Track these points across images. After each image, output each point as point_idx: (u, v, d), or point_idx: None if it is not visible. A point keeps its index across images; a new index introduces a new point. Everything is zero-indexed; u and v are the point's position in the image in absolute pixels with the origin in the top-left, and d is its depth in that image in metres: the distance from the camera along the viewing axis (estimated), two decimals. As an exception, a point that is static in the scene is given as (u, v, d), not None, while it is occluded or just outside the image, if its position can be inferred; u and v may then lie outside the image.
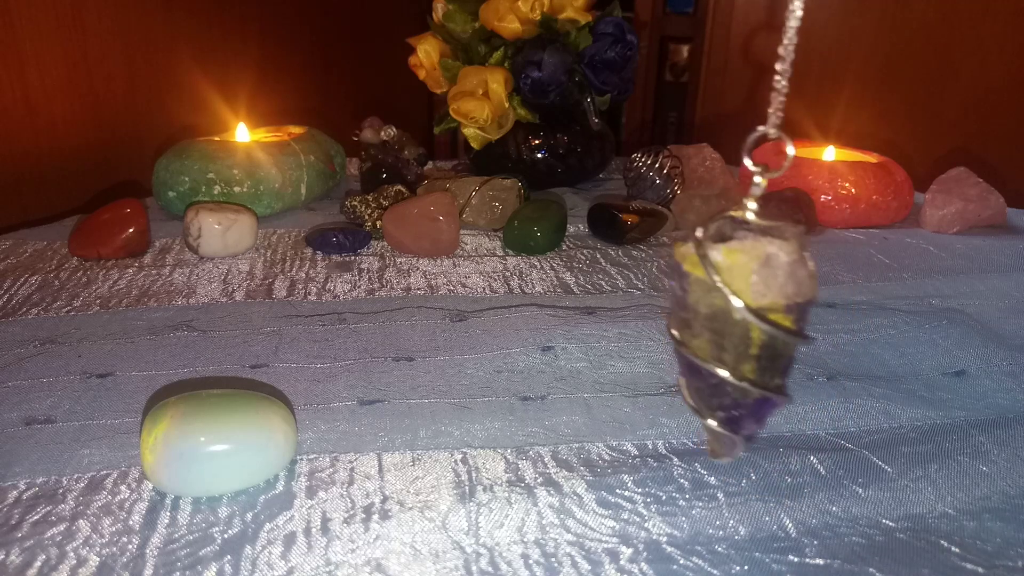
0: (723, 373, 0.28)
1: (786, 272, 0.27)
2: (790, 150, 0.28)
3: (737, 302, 0.26)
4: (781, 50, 0.27)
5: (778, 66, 0.27)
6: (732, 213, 0.28)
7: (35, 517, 0.32)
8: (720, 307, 0.27)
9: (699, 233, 0.28)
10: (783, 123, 0.27)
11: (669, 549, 0.30)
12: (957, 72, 1.22)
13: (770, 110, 0.27)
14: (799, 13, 0.26)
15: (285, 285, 0.56)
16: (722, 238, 0.28)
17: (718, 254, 0.27)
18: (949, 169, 0.73)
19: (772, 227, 0.28)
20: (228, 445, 0.33)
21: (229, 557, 0.30)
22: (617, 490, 0.34)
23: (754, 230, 0.28)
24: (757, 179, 0.28)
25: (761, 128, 0.28)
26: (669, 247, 0.65)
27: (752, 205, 0.28)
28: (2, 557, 0.30)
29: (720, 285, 0.27)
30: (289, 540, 0.31)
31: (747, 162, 0.28)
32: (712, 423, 0.30)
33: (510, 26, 0.74)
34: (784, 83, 0.27)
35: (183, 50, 1.01)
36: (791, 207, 0.66)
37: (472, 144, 0.78)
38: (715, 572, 0.29)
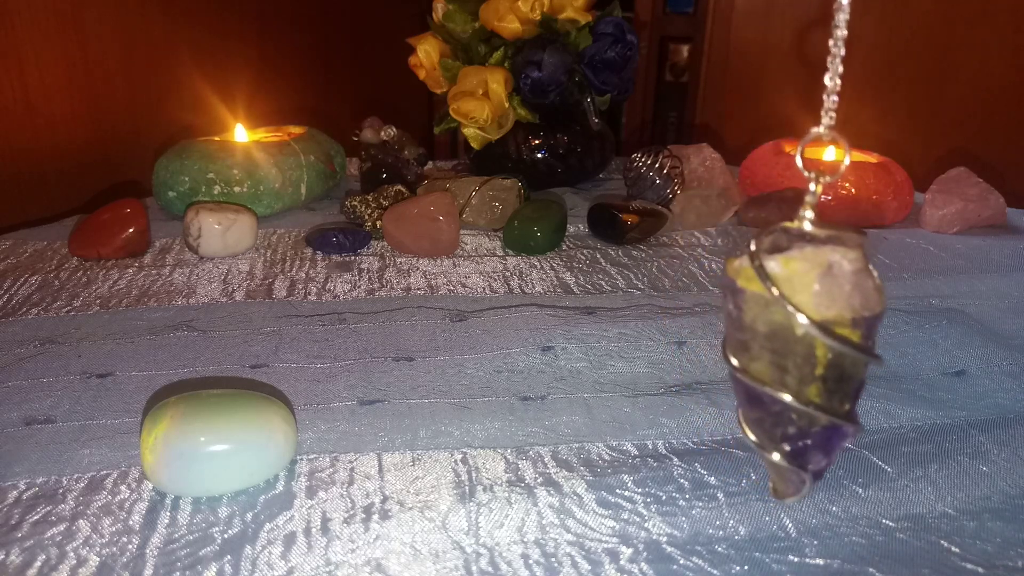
0: (786, 398, 0.26)
1: (851, 282, 0.25)
2: (846, 157, 0.26)
3: (800, 316, 0.24)
4: (831, 43, 0.25)
5: (829, 63, 0.25)
6: (786, 224, 0.26)
7: (35, 517, 0.32)
8: (780, 323, 0.25)
9: (753, 245, 0.26)
10: (834, 124, 0.26)
11: (669, 549, 0.30)
12: (957, 72, 1.22)
13: (823, 110, 0.26)
14: (847, 12, 0.25)
15: (285, 285, 0.56)
16: (777, 251, 0.26)
17: (776, 264, 0.25)
18: (949, 169, 0.73)
19: (833, 235, 0.25)
20: (228, 445, 0.33)
21: (229, 557, 0.30)
22: (617, 490, 0.34)
23: (812, 240, 0.26)
24: (812, 186, 0.26)
25: (815, 130, 0.26)
26: (670, 246, 0.66)
27: (808, 214, 0.26)
28: (2, 557, 0.30)
29: (779, 297, 0.24)
30: (289, 540, 0.31)
31: (799, 166, 0.26)
32: (776, 457, 0.27)
33: (510, 26, 0.74)
34: (837, 81, 0.25)
35: (183, 50, 1.01)
36: (791, 207, 0.66)
37: (472, 144, 0.78)
38: (715, 572, 0.29)
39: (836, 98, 0.26)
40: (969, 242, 0.67)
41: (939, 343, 0.47)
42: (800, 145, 0.26)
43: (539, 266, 0.61)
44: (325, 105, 1.39)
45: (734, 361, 0.27)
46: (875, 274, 0.26)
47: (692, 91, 1.72)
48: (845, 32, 0.25)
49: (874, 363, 0.26)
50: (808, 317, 0.24)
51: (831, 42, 0.25)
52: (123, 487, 0.34)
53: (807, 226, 0.26)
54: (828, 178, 0.26)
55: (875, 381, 0.43)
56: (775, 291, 0.25)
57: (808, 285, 0.25)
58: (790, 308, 0.24)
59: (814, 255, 0.25)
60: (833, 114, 0.26)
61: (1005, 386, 0.43)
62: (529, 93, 0.76)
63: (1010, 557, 0.30)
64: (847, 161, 0.26)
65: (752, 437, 0.28)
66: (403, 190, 0.68)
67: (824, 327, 0.24)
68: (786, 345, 0.25)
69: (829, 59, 0.26)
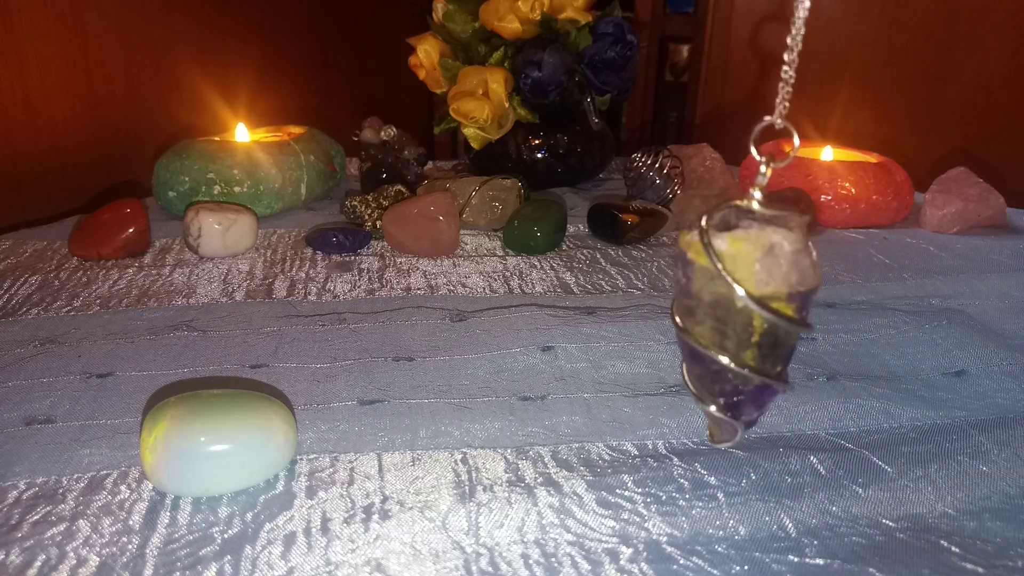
0: (724, 360, 0.28)
1: (789, 261, 0.27)
2: (796, 140, 0.28)
3: (740, 290, 0.27)
4: (789, 40, 0.27)
5: (786, 56, 0.27)
6: (737, 202, 0.28)
7: (35, 517, 0.32)
8: (723, 295, 0.28)
9: (703, 221, 0.28)
10: (788, 115, 0.27)
11: (669, 549, 0.30)
12: (957, 72, 1.22)
13: (777, 100, 0.27)
14: (807, 3, 0.26)
15: (285, 285, 0.56)
16: (727, 227, 0.28)
17: (722, 242, 0.27)
18: (949, 169, 0.73)
19: (777, 216, 0.28)
20: (228, 445, 0.33)
21: (229, 557, 0.30)
22: (617, 490, 0.34)
23: (759, 219, 0.28)
24: (762, 168, 0.28)
25: (768, 118, 0.28)
26: (670, 246, 0.65)
27: (757, 194, 0.28)
28: (2, 557, 0.30)
29: (723, 273, 0.27)
30: (289, 540, 0.31)
31: (753, 152, 0.28)
32: (712, 408, 0.30)
33: (510, 26, 0.74)
34: (792, 73, 0.27)
35: (183, 50, 1.01)
36: (791, 207, 0.66)
37: (472, 144, 0.78)
38: (715, 572, 0.29)
39: (790, 89, 0.27)
40: (969, 242, 0.67)
41: (939, 343, 0.47)
42: (754, 132, 0.28)
43: (539, 266, 0.61)
44: (325, 105, 1.39)
45: (680, 322, 0.29)
46: (813, 253, 0.28)
47: (692, 91, 1.72)
48: (803, 29, 0.27)
49: (805, 332, 0.29)
50: (747, 292, 0.27)
51: (788, 38, 0.27)
52: (123, 487, 0.34)
53: (755, 205, 0.28)
54: (779, 163, 0.28)
55: (875, 381, 0.43)
56: (720, 267, 0.27)
57: (750, 264, 0.27)
58: (732, 283, 0.27)
59: (758, 236, 0.27)
60: (787, 104, 0.28)
61: (1005, 386, 0.43)
62: (529, 93, 0.76)
63: (1010, 557, 0.30)
64: (797, 146, 0.28)
65: (693, 389, 0.31)
66: (403, 190, 0.68)
67: (761, 302, 0.27)
68: (727, 314, 0.28)
69: (786, 53, 0.27)
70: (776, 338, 0.28)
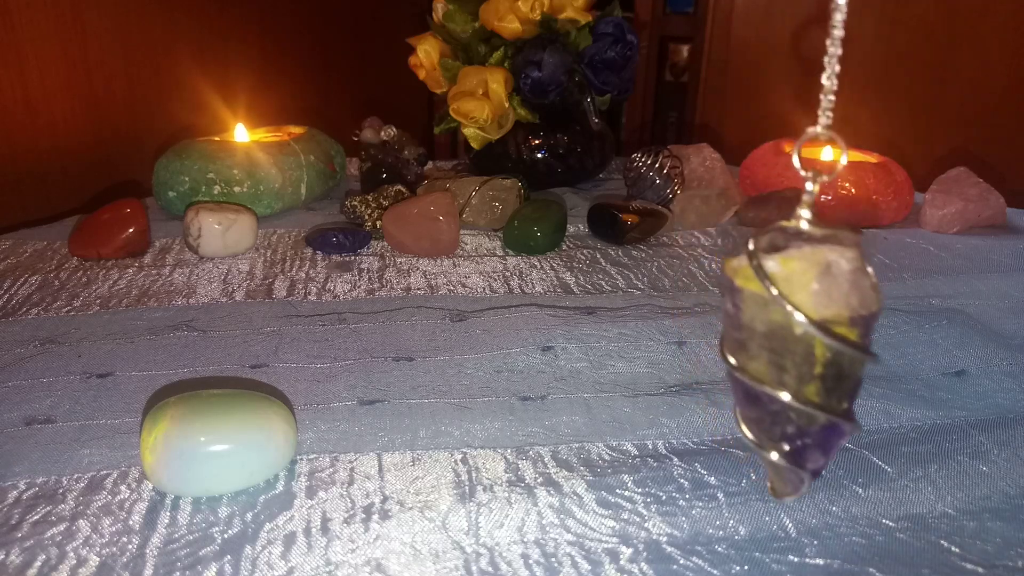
0: (785, 397, 0.25)
1: (849, 281, 0.25)
2: (843, 156, 0.26)
3: (799, 315, 0.24)
4: (828, 43, 0.25)
5: (826, 61, 0.25)
6: (783, 223, 0.26)
7: (35, 517, 0.32)
8: (778, 323, 0.25)
9: (751, 244, 0.25)
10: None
11: (669, 549, 0.30)
12: (957, 72, 1.22)
13: (820, 109, 0.25)
14: (843, 5, 0.24)
15: (285, 285, 0.56)
16: (775, 250, 0.25)
17: (774, 264, 0.25)
18: (949, 169, 0.73)
19: (829, 234, 0.25)
20: (228, 445, 0.33)
21: (229, 557, 0.30)
22: (617, 490, 0.34)
23: (809, 240, 0.25)
24: (809, 185, 0.26)
25: (811, 129, 0.26)
26: (670, 246, 0.66)
27: (806, 213, 0.25)
28: (2, 557, 0.30)
29: (778, 297, 0.24)
30: (289, 540, 0.31)
31: (797, 166, 0.26)
32: (774, 456, 0.27)
33: (510, 26, 0.74)
34: (835, 80, 0.25)
35: (183, 50, 1.01)
36: (791, 207, 0.66)
37: (472, 144, 0.78)
38: (715, 572, 0.29)
39: (833, 98, 0.25)
40: (969, 242, 0.67)
41: (939, 343, 0.47)
42: (796, 145, 0.26)
43: (539, 266, 0.61)
44: (325, 105, 1.39)
45: (732, 360, 0.27)
46: (871, 273, 0.26)
47: (692, 91, 1.72)
48: (842, 32, 0.25)
49: (871, 361, 0.26)
50: (807, 316, 0.24)
51: (828, 41, 0.25)
52: (123, 487, 0.34)
53: (804, 225, 0.26)
54: (825, 177, 0.26)
55: (875, 381, 0.43)
56: (774, 290, 0.24)
57: (807, 284, 0.24)
58: (789, 307, 0.24)
59: (812, 254, 0.25)
60: (830, 114, 0.25)
61: (1005, 386, 0.43)
62: (529, 93, 0.76)
63: (1010, 557, 0.30)
64: (844, 160, 0.26)
65: (750, 436, 0.27)
66: (403, 190, 0.68)
67: (823, 326, 0.24)
68: (784, 344, 0.25)
69: (826, 59, 0.25)
70: (841, 369, 0.25)
